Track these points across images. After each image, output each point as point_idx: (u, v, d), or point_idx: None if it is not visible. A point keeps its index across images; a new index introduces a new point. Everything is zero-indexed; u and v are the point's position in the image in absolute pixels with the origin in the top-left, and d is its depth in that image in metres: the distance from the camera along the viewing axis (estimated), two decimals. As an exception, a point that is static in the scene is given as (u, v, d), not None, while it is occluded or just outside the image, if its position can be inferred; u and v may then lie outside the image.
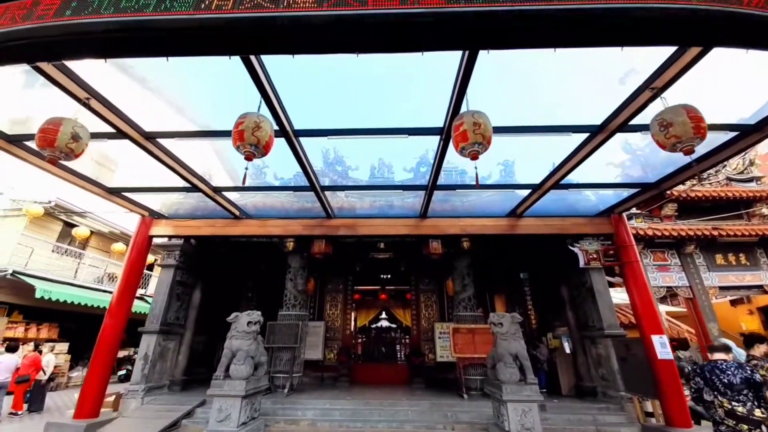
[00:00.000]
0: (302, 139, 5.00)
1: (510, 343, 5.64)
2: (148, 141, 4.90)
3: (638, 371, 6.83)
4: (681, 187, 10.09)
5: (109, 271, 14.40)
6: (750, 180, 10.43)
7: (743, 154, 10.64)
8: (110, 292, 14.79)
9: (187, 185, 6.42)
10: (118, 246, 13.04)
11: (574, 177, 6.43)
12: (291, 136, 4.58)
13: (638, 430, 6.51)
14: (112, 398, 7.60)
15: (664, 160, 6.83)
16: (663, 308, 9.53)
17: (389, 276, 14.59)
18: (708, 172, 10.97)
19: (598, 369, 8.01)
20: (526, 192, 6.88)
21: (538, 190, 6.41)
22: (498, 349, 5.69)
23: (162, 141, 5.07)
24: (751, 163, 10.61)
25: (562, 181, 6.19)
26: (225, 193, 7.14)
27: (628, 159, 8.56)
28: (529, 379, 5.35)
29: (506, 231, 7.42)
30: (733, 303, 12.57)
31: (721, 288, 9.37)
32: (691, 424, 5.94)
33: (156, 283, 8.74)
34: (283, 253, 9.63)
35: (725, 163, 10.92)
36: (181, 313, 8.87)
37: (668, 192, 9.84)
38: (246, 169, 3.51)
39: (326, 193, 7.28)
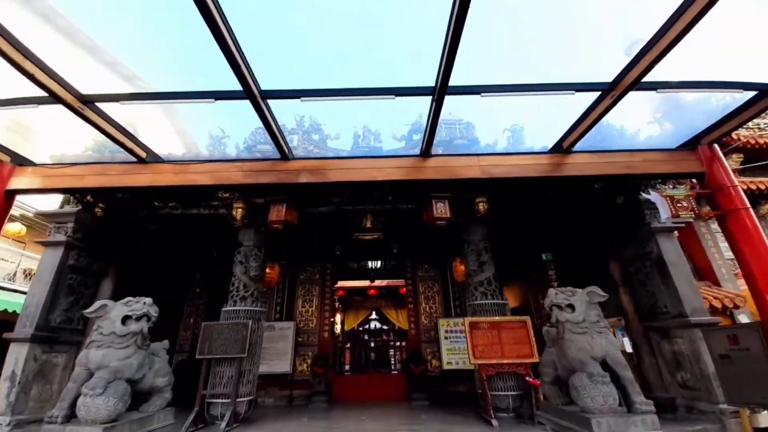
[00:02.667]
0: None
1: (592, 338, 3.21)
2: None
3: (752, 372, 4.52)
4: (746, 132, 7.97)
5: (25, 266, 11.41)
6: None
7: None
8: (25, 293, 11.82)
9: (43, 95, 3.82)
10: (14, 227, 10.09)
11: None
12: None
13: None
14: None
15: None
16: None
17: (378, 265, 12.07)
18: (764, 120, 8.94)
19: (677, 373, 5.65)
20: (587, 102, 4.48)
21: (610, 92, 4.03)
22: (569, 352, 3.24)
23: None
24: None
25: (649, 76, 3.84)
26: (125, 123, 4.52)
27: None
28: (639, 403, 2.91)
29: (548, 172, 5.02)
30: None
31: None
32: None
33: (36, 269, 5.98)
34: (233, 230, 7.04)
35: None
36: (76, 313, 6.10)
37: (734, 135, 7.71)
38: None
39: (283, 132, 4.78)
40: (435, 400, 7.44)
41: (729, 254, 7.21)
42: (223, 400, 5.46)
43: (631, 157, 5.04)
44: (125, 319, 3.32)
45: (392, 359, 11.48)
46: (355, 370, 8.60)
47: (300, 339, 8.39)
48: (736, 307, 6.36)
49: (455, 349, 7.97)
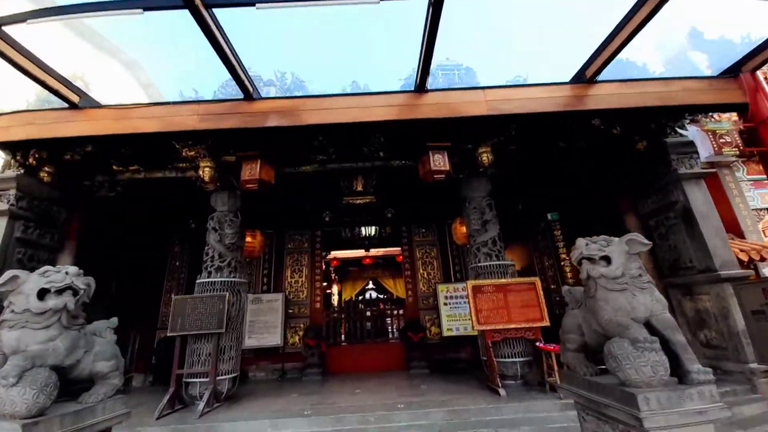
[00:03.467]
0: None
1: (633, 296, 2.57)
2: None
3: (792, 331, 4.03)
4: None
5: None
6: None
7: None
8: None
9: None
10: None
11: None
12: None
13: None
14: None
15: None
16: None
17: (373, 232, 11.48)
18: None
19: (699, 332, 5.20)
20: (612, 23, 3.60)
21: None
22: (603, 313, 2.61)
23: None
24: None
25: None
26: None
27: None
28: (695, 372, 2.31)
29: (568, 106, 4.21)
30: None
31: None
32: None
33: (-23, 245, 5.23)
34: (207, 196, 6.26)
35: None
36: (30, 292, 5.43)
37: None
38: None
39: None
40: (435, 369, 7.06)
41: (755, 203, 6.59)
42: (202, 379, 4.95)
43: (666, 87, 4.22)
44: (42, 293, 2.61)
45: (390, 328, 11.14)
46: (351, 340, 8.19)
47: (290, 311, 7.86)
48: (763, 259, 5.83)
49: (455, 315, 7.51)
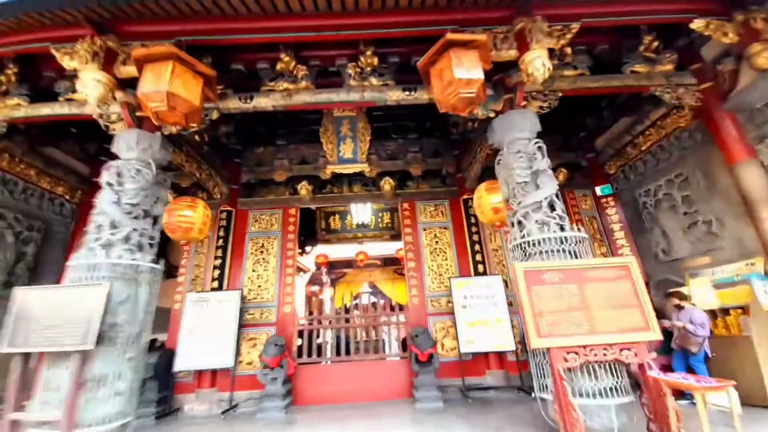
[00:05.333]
0: None
1: None
2: None
3: None
4: None
5: None
6: None
7: None
8: None
9: None
10: None
11: None
12: None
13: None
14: None
15: None
16: None
17: (368, 219, 9.41)
18: None
19: None
20: None
21: None
22: None
23: None
24: None
25: None
26: None
27: None
28: None
29: None
30: None
31: None
32: None
33: None
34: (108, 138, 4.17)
35: None
36: None
37: None
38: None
39: None
40: (451, 399, 4.88)
41: None
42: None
43: None
44: None
45: (388, 340, 8.94)
46: (333, 356, 5.99)
47: (249, 316, 5.68)
48: None
49: (479, 321, 5.34)
